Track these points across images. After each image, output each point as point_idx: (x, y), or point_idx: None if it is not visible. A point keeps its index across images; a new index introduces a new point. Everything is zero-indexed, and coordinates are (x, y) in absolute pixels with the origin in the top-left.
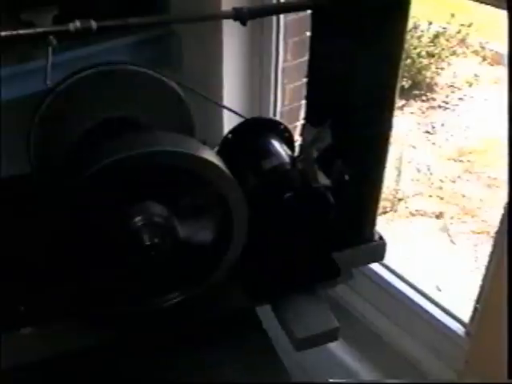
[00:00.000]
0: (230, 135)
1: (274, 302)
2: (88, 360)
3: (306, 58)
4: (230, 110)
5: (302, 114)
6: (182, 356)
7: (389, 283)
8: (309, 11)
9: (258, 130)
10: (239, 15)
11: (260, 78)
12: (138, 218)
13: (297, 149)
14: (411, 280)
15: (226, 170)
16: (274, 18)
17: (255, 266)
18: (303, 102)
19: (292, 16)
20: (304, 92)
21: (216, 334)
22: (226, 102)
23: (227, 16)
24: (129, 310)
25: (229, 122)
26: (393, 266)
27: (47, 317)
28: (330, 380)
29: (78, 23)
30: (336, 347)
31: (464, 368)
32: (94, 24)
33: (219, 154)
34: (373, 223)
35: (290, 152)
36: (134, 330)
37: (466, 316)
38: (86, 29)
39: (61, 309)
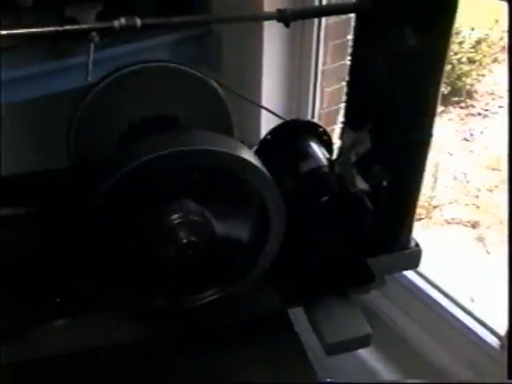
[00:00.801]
0: (268, 136)
1: (306, 304)
2: (120, 356)
3: (345, 61)
4: (269, 111)
5: (340, 117)
6: (213, 355)
7: (422, 291)
8: (352, 14)
9: (296, 132)
10: (283, 17)
11: (299, 80)
12: (175, 216)
13: (335, 152)
14: (445, 289)
15: (265, 170)
16: (316, 20)
17: (289, 267)
18: (341, 105)
19: (333, 19)
20: (342, 96)
21: (247, 335)
22: (264, 103)
23: (271, 17)
24: (164, 307)
25: (266, 123)
26: (426, 274)
27: (82, 310)
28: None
29: (122, 20)
30: (365, 353)
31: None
32: (138, 21)
33: (257, 154)
34: (409, 230)
35: (328, 155)
36: (168, 327)
37: (501, 328)
38: (130, 26)
39: (96, 303)
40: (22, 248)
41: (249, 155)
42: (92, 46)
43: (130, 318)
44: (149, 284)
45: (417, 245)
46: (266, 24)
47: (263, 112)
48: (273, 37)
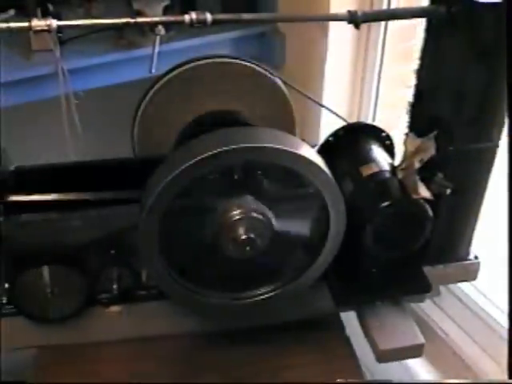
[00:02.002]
0: (330, 138)
1: (359, 309)
2: (171, 347)
3: (408, 66)
4: (333, 112)
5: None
6: (262, 354)
7: (476, 304)
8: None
9: (359, 135)
10: (353, 18)
11: (362, 82)
12: (235, 212)
13: (398, 158)
14: (501, 304)
15: (328, 171)
16: (382, 23)
17: (345, 271)
18: (402, 110)
19: (399, 23)
20: (404, 100)
21: (298, 335)
22: (325, 105)
23: (341, 18)
24: (219, 302)
25: (325, 125)
26: (482, 287)
27: (139, 298)
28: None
29: (193, 15)
30: (415, 363)
31: None
32: (209, 17)
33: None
34: (469, 241)
35: (390, 160)
36: (221, 323)
37: None
38: (200, 21)
39: (152, 292)
40: (88, 234)
41: (313, 155)
42: (158, 38)
43: (184, 310)
44: (204, 278)
45: (476, 257)
46: (331, 24)
47: (323, 113)
48: (337, 38)
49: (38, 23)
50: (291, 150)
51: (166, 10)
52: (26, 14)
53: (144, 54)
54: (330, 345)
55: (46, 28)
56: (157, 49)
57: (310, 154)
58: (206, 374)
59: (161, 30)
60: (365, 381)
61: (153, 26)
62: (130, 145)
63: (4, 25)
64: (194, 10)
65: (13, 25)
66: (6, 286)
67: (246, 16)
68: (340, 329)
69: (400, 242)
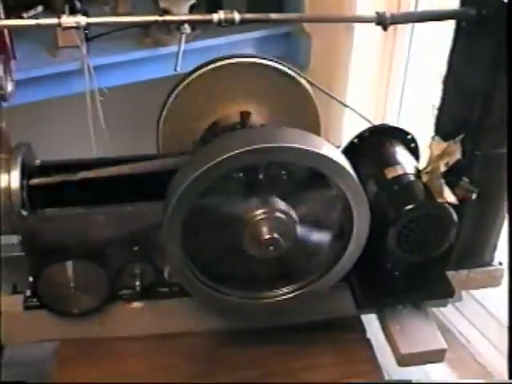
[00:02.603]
0: (355, 140)
1: (380, 312)
2: (190, 343)
3: (435, 67)
4: (359, 114)
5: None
6: (283, 353)
7: (499, 310)
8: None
9: (384, 137)
10: (381, 20)
11: (387, 84)
12: (259, 211)
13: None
14: None
15: (353, 173)
16: (409, 25)
17: (368, 273)
18: (428, 112)
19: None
20: (430, 103)
21: (319, 336)
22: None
23: (369, 20)
24: (241, 300)
25: (348, 126)
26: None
27: (161, 295)
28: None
29: (221, 14)
30: (435, 368)
31: None
32: (237, 16)
33: None
34: (494, 247)
35: (415, 163)
36: (242, 321)
37: None
38: (228, 20)
39: (173, 289)
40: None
41: (338, 156)
42: (183, 37)
43: (204, 308)
44: (226, 277)
45: (500, 263)
46: (357, 25)
47: (345, 114)
48: (363, 39)
49: (67, 20)
50: (316, 150)
51: (192, 9)
52: (53, 10)
53: (169, 52)
54: (350, 347)
55: (74, 25)
56: (182, 47)
57: (335, 154)
58: (225, 372)
59: (187, 28)
60: (384, 381)
61: (179, 24)
62: (153, 142)
63: (33, 21)
64: (219, 9)
65: (42, 21)
66: (30, 279)
67: (273, 16)
68: (361, 331)
69: (423, 246)
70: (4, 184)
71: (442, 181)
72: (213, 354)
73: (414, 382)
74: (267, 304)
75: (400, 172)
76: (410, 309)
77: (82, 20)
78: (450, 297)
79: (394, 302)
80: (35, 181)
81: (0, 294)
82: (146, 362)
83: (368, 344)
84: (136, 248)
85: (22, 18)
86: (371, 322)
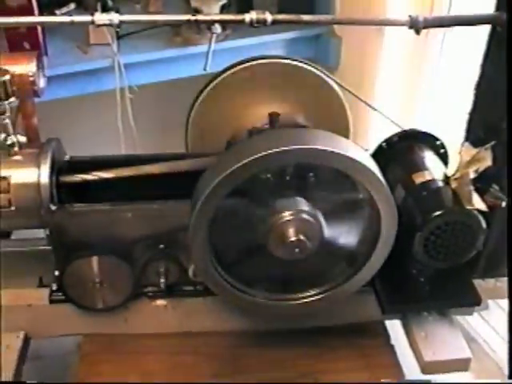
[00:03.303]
0: (384, 144)
1: (405, 318)
2: (213, 343)
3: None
4: (388, 118)
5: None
6: (306, 356)
7: None
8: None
9: (413, 142)
10: (414, 24)
11: (417, 88)
12: (286, 213)
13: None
14: None
15: (382, 177)
16: (441, 29)
17: (392, 278)
18: (459, 118)
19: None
20: (461, 109)
21: (343, 341)
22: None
23: (402, 23)
24: (265, 302)
25: (376, 129)
26: None
27: (185, 294)
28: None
29: (253, 14)
30: (459, 377)
31: None
32: (269, 17)
33: None
34: None
35: (444, 169)
36: (266, 322)
37: None
38: (260, 21)
39: (197, 288)
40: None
41: (367, 159)
42: (214, 36)
43: (228, 308)
44: (251, 277)
45: None
46: (388, 28)
47: (373, 118)
48: (393, 42)
49: (100, 18)
50: (345, 153)
51: (223, 9)
52: (85, 8)
53: (199, 52)
54: (373, 352)
55: (108, 22)
56: (212, 47)
57: (364, 158)
58: (246, 373)
59: (217, 28)
60: (404, 381)
61: (210, 24)
62: (181, 141)
63: (68, 18)
64: (250, 9)
65: (76, 18)
66: (57, 273)
67: (305, 17)
68: (385, 336)
69: (450, 253)
70: (34, 179)
71: (472, 187)
72: (234, 354)
73: (433, 382)
74: (291, 306)
75: (428, 177)
76: (435, 316)
77: (115, 18)
78: (476, 305)
79: (419, 309)
80: (64, 176)
81: (0, 288)
82: (168, 359)
83: (391, 350)
84: (162, 246)
85: (54, 15)
86: (394, 328)
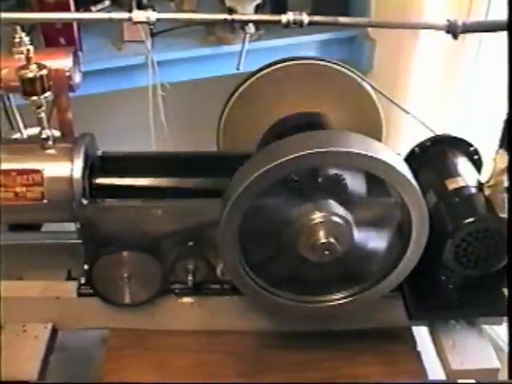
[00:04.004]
0: (416, 149)
1: (432, 325)
2: (238, 342)
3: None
4: (422, 123)
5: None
6: (331, 360)
7: None
8: None
9: (446, 147)
10: (452, 28)
11: (451, 93)
12: (317, 215)
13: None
14: None
15: (415, 182)
16: (476, 35)
17: (421, 284)
18: (494, 124)
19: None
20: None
21: (369, 345)
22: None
23: (440, 27)
24: (292, 303)
25: (409, 134)
26: None
27: (211, 292)
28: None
29: (290, 15)
30: None
31: None
32: (306, 18)
33: None
34: None
35: (477, 176)
36: (291, 324)
37: None
38: (297, 22)
39: (225, 287)
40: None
41: (399, 164)
42: (247, 36)
43: (255, 307)
44: (280, 278)
45: None
46: (423, 32)
47: (405, 122)
48: (428, 46)
49: (138, 15)
50: (378, 156)
51: (257, 9)
52: (120, 5)
53: (232, 51)
54: (399, 358)
55: (145, 20)
56: (246, 46)
57: (397, 161)
58: (269, 373)
59: (251, 28)
60: (429, 381)
61: (244, 23)
62: (211, 139)
63: (106, 15)
64: (284, 10)
65: (114, 15)
66: (86, 267)
67: (342, 19)
68: (411, 343)
69: (481, 261)
70: (67, 173)
71: (505, 195)
72: (258, 354)
73: (459, 381)
74: (319, 308)
75: (461, 184)
76: (464, 324)
77: (153, 15)
78: (505, 315)
79: (447, 316)
80: (97, 171)
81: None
82: (193, 357)
83: (418, 356)
84: (191, 243)
85: (90, 11)
86: (421, 335)
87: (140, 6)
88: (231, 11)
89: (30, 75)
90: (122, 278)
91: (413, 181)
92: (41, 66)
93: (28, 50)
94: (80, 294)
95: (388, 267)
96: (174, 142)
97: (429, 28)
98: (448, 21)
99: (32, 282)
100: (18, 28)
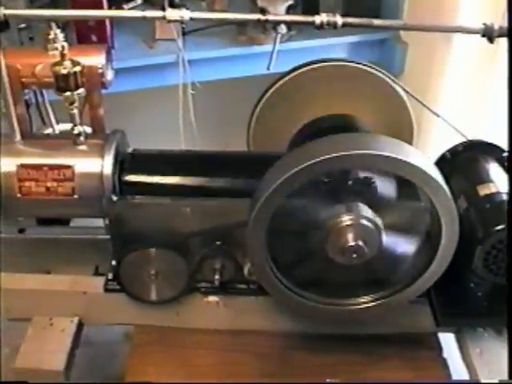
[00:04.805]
0: (447, 153)
1: (459, 333)
2: (262, 342)
3: None
4: (453, 127)
5: None
6: (352, 364)
7: None
8: None
9: (478, 152)
10: (488, 32)
11: (484, 98)
12: (346, 217)
13: None
14: None
15: (446, 187)
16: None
17: (449, 291)
18: None
19: None
20: None
21: (394, 351)
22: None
23: (475, 31)
24: (316, 305)
25: (439, 138)
26: None
27: (237, 291)
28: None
29: (324, 17)
30: None
31: None
32: (339, 20)
33: None
34: None
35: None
36: (315, 326)
37: None
38: (330, 23)
39: (251, 287)
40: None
41: (430, 168)
42: (279, 37)
43: (280, 308)
44: (306, 280)
45: None
46: (456, 36)
47: (435, 126)
48: (462, 49)
49: (172, 14)
50: (408, 160)
51: (289, 9)
52: (151, 3)
53: (262, 51)
54: (425, 364)
55: (179, 19)
56: (277, 47)
57: (428, 166)
58: (293, 375)
59: (283, 28)
60: (452, 381)
61: (275, 24)
62: (240, 140)
63: (140, 13)
64: (316, 11)
65: (148, 14)
66: (113, 263)
67: (376, 22)
68: (437, 349)
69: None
70: (97, 169)
71: None
72: (283, 355)
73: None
74: (345, 311)
75: (493, 190)
76: (491, 333)
77: (186, 14)
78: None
79: (475, 324)
80: (127, 168)
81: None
82: (217, 355)
83: (444, 363)
84: (218, 242)
85: (122, 9)
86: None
87: (172, 5)
88: (263, 11)
89: (64, 71)
90: (149, 274)
91: (444, 185)
92: (75, 63)
93: (63, 47)
94: (107, 290)
95: (416, 272)
96: (203, 141)
97: (465, 32)
98: (484, 24)
99: (60, 277)
100: (54, 25)
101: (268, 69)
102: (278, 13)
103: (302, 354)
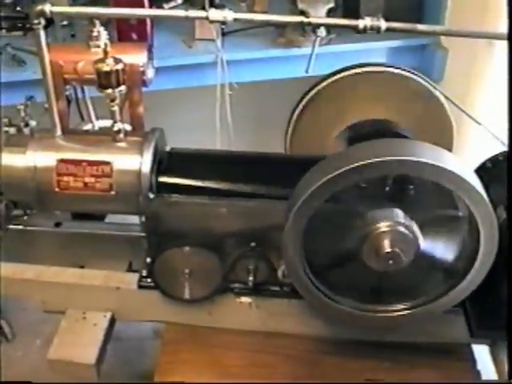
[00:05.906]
0: (488, 162)
1: (494, 345)
2: (293, 345)
3: None
4: (495, 137)
5: None
6: (383, 371)
7: None
8: None
9: None
10: None
11: None
12: (383, 224)
13: None
14: None
15: (485, 195)
16: None
17: (484, 302)
18: None
19: None
20: None
21: (425, 360)
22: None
23: None
24: (350, 311)
25: (476, 146)
26: None
27: (270, 293)
28: None
29: (368, 21)
30: None
31: None
32: (383, 24)
33: None
34: None
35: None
36: (347, 331)
37: None
38: (374, 27)
39: (284, 290)
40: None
41: (471, 177)
42: (318, 39)
43: (312, 312)
44: (341, 285)
45: None
46: (498, 43)
47: (474, 134)
48: (503, 56)
49: (215, 14)
50: (448, 167)
51: (329, 12)
52: (191, 3)
53: (301, 54)
54: (458, 376)
55: (221, 19)
56: (316, 50)
57: (468, 174)
58: (321, 379)
59: (323, 31)
60: (482, 380)
61: (315, 26)
62: (276, 141)
63: (182, 13)
64: (356, 14)
65: (191, 13)
66: (148, 260)
67: (420, 27)
68: (470, 361)
69: None
70: (136, 166)
71: None
72: (313, 359)
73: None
74: (379, 318)
75: None
76: None
77: (229, 15)
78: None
79: (507, 335)
80: (164, 167)
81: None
82: (248, 356)
83: (477, 375)
84: (253, 244)
85: (162, 8)
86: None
87: (213, 5)
88: (303, 13)
89: (107, 69)
90: (183, 273)
91: (484, 194)
92: (117, 60)
93: (106, 44)
94: (140, 286)
95: (452, 282)
96: (239, 142)
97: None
98: None
99: (93, 271)
100: (97, 22)
101: (306, 72)
102: (319, 15)
103: (333, 358)
